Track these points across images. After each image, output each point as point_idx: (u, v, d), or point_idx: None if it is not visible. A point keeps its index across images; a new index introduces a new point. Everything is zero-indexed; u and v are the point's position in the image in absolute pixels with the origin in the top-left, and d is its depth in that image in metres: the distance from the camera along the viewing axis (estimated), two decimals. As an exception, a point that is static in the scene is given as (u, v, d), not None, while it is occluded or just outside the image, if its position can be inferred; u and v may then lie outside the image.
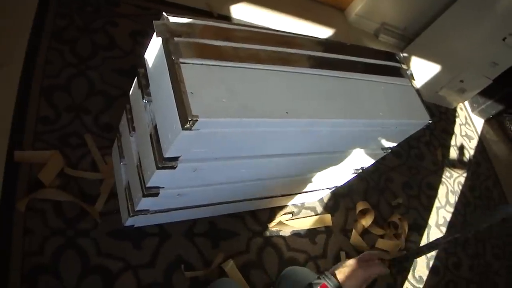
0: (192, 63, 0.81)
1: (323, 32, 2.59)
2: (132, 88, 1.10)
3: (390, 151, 1.40)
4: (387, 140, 1.30)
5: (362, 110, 1.05)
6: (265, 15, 2.37)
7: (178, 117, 0.76)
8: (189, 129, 0.76)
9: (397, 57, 1.34)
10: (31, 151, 1.29)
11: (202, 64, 0.83)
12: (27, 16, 1.56)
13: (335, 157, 1.26)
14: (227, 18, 2.17)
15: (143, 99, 0.99)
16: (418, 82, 2.70)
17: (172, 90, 0.79)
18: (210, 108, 0.77)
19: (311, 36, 1.10)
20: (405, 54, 2.81)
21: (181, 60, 0.80)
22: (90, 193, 1.31)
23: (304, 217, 1.68)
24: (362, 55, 1.21)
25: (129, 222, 1.24)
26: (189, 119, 0.73)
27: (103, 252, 1.23)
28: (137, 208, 1.12)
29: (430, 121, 1.23)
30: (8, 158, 1.25)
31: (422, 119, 1.22)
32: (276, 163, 1.12)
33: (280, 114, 0.86)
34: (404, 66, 1.32)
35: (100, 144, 1.41)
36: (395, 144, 1.36)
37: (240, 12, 2.25)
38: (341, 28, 2.73)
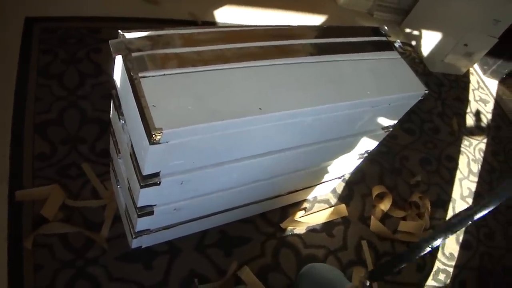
0: (153, 76, 0.79)
1: (315, 20, 2.54)
2: (111, 111, 1.10)
3: (391, 129, 1.33)
4: (385, 118, 1.25)
5: (344, 92, 1.00)
6: (252, 13, 2.33)
7: (144, 132, 0.74)
8: (157, 142, 0.74)
9: (382, 31, 1.28)
10: (31, 189, 1.30)
11: (163, 74, 0.81)
12: (12, 58, 1.58)
13: (331, 145, 1.21)
14: (213, 24, 2.15)
15: (119, 120, 0.98)
16: (423, 53, 2.61)
17: (136, 107, 0.77)
18: (174, 118, 0.74)
19: (281, 25, 1.06)
20: (407, 30, 2.73)
21: (140, 74, 0.78)
22: (95, 221, 1.31)
23: (318, 211, 1.64)
24: (341, 35, 1.16)
25: (135, 243, 1.23)
26: (153, 132, 0.71)
27: (115, 277, 1.22)
28: (137, 229, 1.11)
29: (426, 91, 1.16)
30: (10, 199, 1.26)
31: (417, 90, 1.16)
32: (269, 161, 1.09)
33: (253, 111, 0.83)
34: (390, 39, 1.27)
35: (99, 171, 1.41)
36: (395, 122, 1.30)
37: (226, 15, 2.22)
38: (333, 13, 2.66)
